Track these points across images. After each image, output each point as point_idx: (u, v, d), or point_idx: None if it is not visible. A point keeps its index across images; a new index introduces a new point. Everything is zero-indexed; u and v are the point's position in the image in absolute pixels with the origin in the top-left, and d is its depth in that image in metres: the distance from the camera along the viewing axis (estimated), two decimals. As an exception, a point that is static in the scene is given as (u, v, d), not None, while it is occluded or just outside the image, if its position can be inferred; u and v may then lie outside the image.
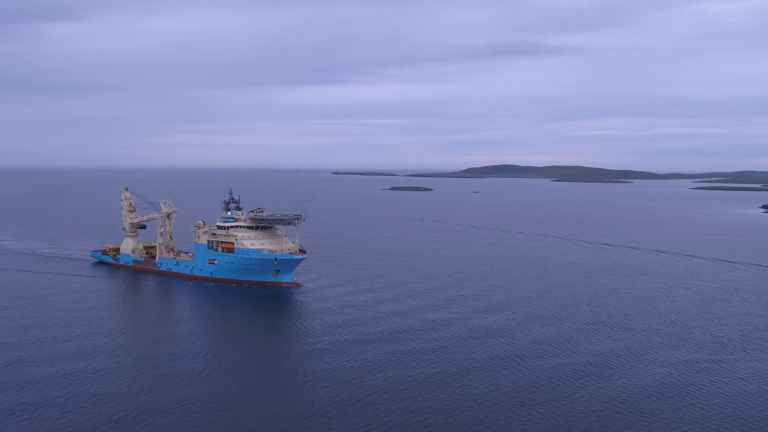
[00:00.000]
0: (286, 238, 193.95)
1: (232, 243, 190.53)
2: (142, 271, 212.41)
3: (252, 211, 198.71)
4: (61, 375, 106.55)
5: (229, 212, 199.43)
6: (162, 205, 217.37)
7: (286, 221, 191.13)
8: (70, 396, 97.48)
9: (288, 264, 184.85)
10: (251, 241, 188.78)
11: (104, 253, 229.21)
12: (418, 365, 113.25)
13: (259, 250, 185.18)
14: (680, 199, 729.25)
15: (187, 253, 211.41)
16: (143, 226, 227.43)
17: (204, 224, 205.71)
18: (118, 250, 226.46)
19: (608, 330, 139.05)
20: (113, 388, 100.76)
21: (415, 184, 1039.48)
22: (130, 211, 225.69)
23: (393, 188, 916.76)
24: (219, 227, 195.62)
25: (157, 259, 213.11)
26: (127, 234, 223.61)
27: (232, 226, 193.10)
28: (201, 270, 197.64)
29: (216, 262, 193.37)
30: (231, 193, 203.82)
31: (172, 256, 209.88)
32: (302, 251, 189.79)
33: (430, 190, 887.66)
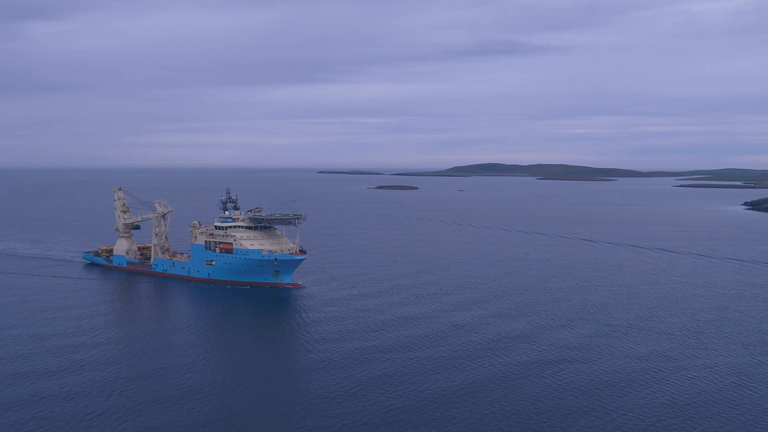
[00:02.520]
0: (286, 238, 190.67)
1: (231, 243, 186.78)
2: (136, 273, 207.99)
3: (250, 211, 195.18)
4: (48, 390, 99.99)
5: (226, 212, 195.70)
6: (157, 205, 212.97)
7: (286, 221, 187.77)
8: (56, 414, 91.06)
9: (288, 265, 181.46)
10: (250, 242, 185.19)
11: (96, 254, 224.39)
12: (434, 375, 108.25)
13: (259, 251, 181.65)
14: (665, 197, 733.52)
15: (182, 254, 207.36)
16: (137, 227, 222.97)
17: (199, 224, 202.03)
18: (111, 251, 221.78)
19: (629, 332, 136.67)
20: (102, 405, 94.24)
21: (401, 182, 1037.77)
22: (124, 212, 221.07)
23: (379, 187, 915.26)
24: (217, 227, 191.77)
25: (152, 260, 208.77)
26: (121, 235, 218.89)
27: (230, 226, 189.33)
28: (198, 271, 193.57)
29: (214, 263, 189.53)
30: (228, 193, 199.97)
31: (168, 257, 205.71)
32: (302, 251, 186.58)
33: (416, 188, 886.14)
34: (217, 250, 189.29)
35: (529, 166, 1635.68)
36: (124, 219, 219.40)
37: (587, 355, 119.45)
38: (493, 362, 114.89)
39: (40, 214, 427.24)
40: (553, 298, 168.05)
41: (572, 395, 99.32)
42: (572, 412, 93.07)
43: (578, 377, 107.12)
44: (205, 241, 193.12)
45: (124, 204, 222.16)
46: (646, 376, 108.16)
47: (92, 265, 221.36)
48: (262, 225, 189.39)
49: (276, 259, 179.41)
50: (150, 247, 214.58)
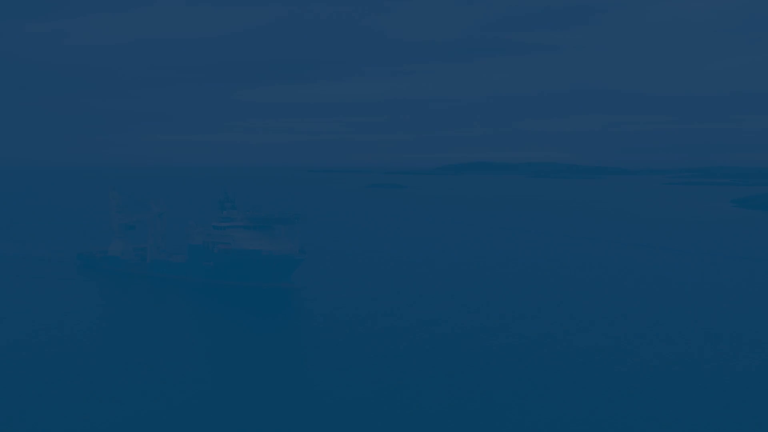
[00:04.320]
0: (285, 238, 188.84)
1: (230, 244, 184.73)
2: (132, 274, 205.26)
3: (249, 211, 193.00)
4: (41, 399, 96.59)
5: (225, 212, 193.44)
6: (153, 205, 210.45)
7: (286, 221, 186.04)
8: (50, 425, 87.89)
9: (288, 265, 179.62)
10: (249, 242, 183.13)
11: (91, 255, 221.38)
12: (440, 379, 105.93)
13: (258, 251, 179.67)
14: (655, 194, 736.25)
15: (179, 254, 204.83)
16: (133, 227, 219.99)
17: (196, 225, 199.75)
18: (106, 252, 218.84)
19: (630, 334, 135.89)
20: (96, 414, 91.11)
21: (392, 181, 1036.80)
22: (119, 211, 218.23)
23: (370, 186, 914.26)
24: (215, 227, 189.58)
25: (148, 261, 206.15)
26: (116, 235, 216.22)
27: (229, 226, 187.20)
28: (196, 272, 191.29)
29: (212, 263, 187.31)
30: (227, 192, 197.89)
31: (164, 258, 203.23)
32: (302, 252, 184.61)
33: (406, 187, 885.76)
34: (216, 250, 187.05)
35: (519, 164, 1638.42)
36: (120, 219, 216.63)
37: (596, 358, 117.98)
38: (493, 367, 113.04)
39: (32, 215, 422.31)
40: (551, 300, 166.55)
41: (582, 400, 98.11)
42: (574, 419, 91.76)
43: (587, 382, 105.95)
44: (203, 242, 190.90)
45: (119, 203, 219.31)
46: (654, 379, 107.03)
47: (87, 266, 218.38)
48: (261, 225, 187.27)
49: (276, 259, 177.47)
50: (146, 247, 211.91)
